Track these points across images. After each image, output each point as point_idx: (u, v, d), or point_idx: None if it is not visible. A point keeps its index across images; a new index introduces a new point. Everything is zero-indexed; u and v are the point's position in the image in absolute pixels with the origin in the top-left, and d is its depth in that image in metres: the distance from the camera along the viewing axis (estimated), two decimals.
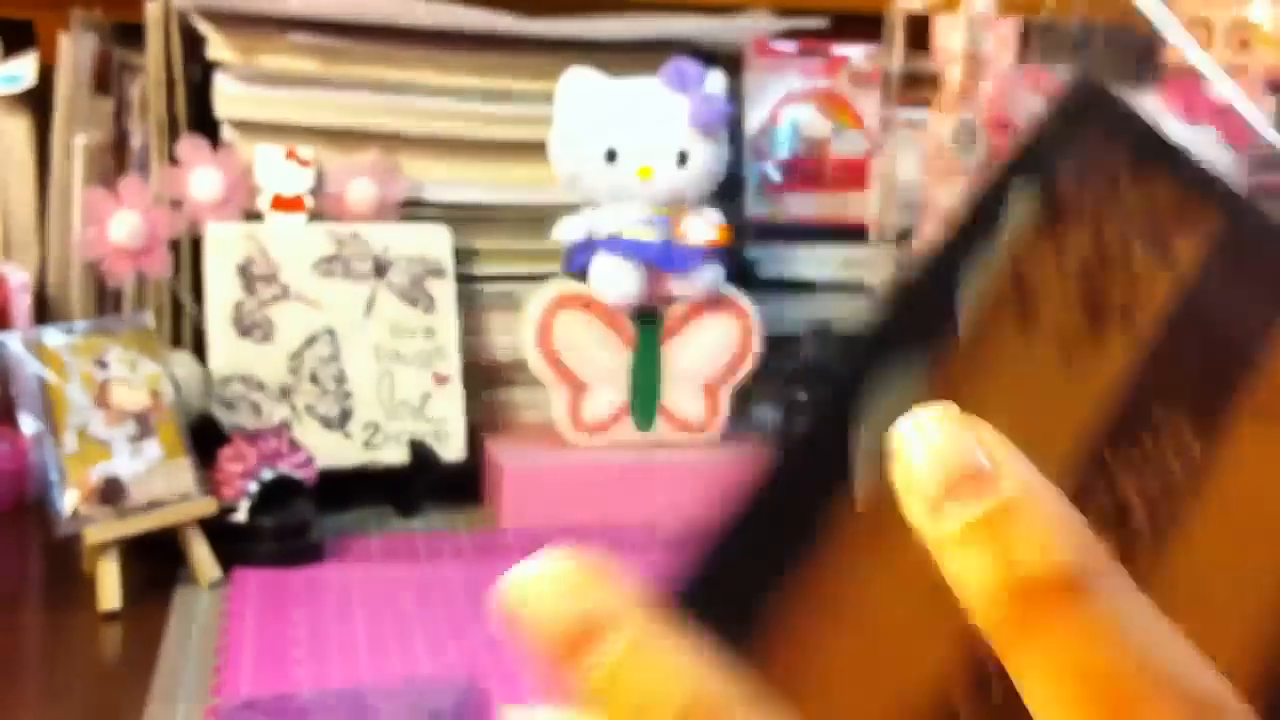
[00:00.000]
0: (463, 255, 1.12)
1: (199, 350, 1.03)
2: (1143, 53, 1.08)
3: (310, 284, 1.06)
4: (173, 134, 1.08)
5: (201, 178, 1.05)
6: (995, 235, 0.26)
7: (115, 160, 1.13)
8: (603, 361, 1.08)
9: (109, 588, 0.83)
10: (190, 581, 0.87)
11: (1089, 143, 0.27)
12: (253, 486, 0.91)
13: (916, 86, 1.18)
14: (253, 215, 1.07)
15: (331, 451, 1.02)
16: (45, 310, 1.12)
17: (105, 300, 1.12)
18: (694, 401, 1.10)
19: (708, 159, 1.07)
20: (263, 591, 0.85)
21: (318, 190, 1.09)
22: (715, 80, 1.07)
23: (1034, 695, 0.21)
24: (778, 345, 1.12)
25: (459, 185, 1.14)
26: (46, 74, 1.12)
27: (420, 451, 1.05)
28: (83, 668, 0.76)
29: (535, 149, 1.09)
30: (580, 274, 1.07)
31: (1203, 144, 1.16)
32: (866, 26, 1.19)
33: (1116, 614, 0.20)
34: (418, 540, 0.98)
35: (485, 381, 1.14)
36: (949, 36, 1.14)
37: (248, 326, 1.04)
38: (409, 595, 0.85)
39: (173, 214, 1.04)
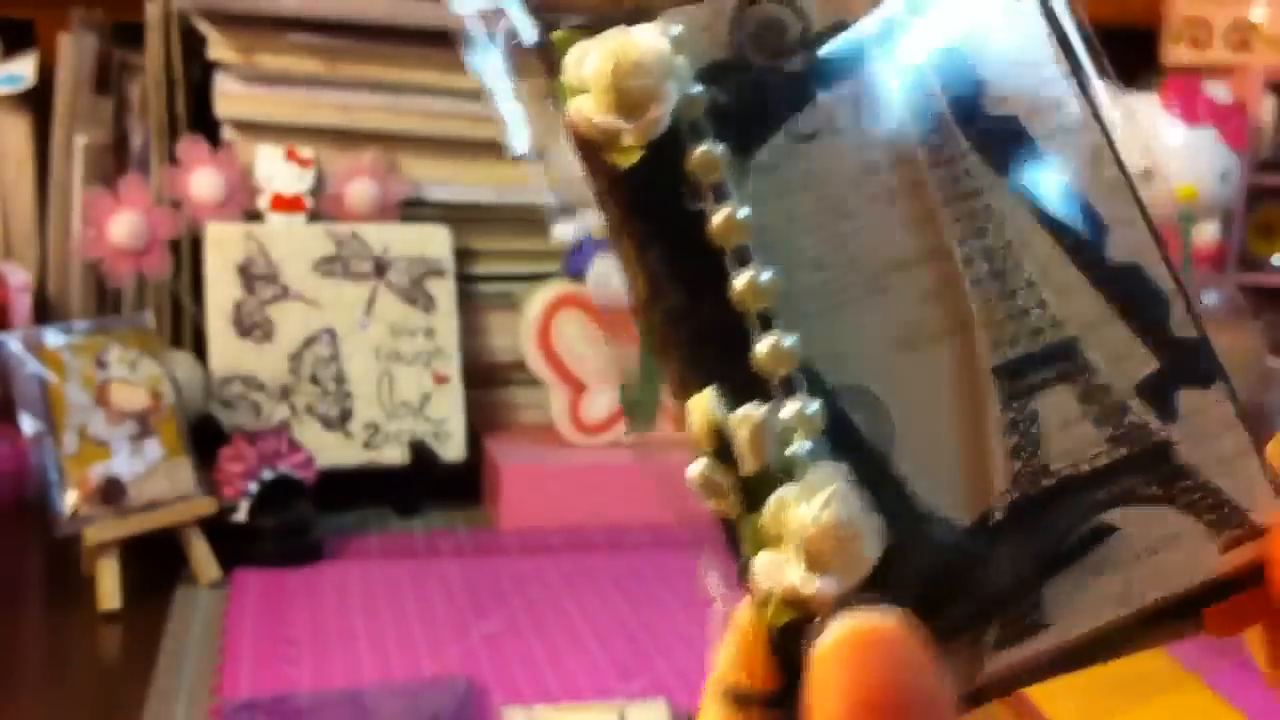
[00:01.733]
0: (463, 255, 1.12)
1: (199, 350, 1.03)
2: None
3: (310, 284, 1.06)
4: (173, 134, 1.08)
5: (201, 178, 1.05)
6: None
7: (115, 160, 1.13)
8: (602, 362, 1.08)
9: (109, 588, 0.83)
10: (190, 581, 0.87)
11: None
12: (253, 486, 0.91)
13: None
14: (253, 215, 1.07)
15: (331, 451, 1.02)
16: (45, 310, 1.11)
17: (105, 300, 1.12)
18: None
19: None
20: (263, 591, 0.85)
21: (318, 190, 1.09)
22: None
23: None
24: None
25: (459, 185, 1.14)
26: (46, 74, 1.12)
27: (420, 451, 1.05)
28: (83, 668, 0.76)
29: None
30: (580, 274, 1.07)
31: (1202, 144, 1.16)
32: None
33: None
34: (417, 540, 0.98)
35: (485, 381, 1.14)
36: None
37: (248, 326, 1.04)
38: (409, 595, 0.85)
39: (173, 214, 1.04)
